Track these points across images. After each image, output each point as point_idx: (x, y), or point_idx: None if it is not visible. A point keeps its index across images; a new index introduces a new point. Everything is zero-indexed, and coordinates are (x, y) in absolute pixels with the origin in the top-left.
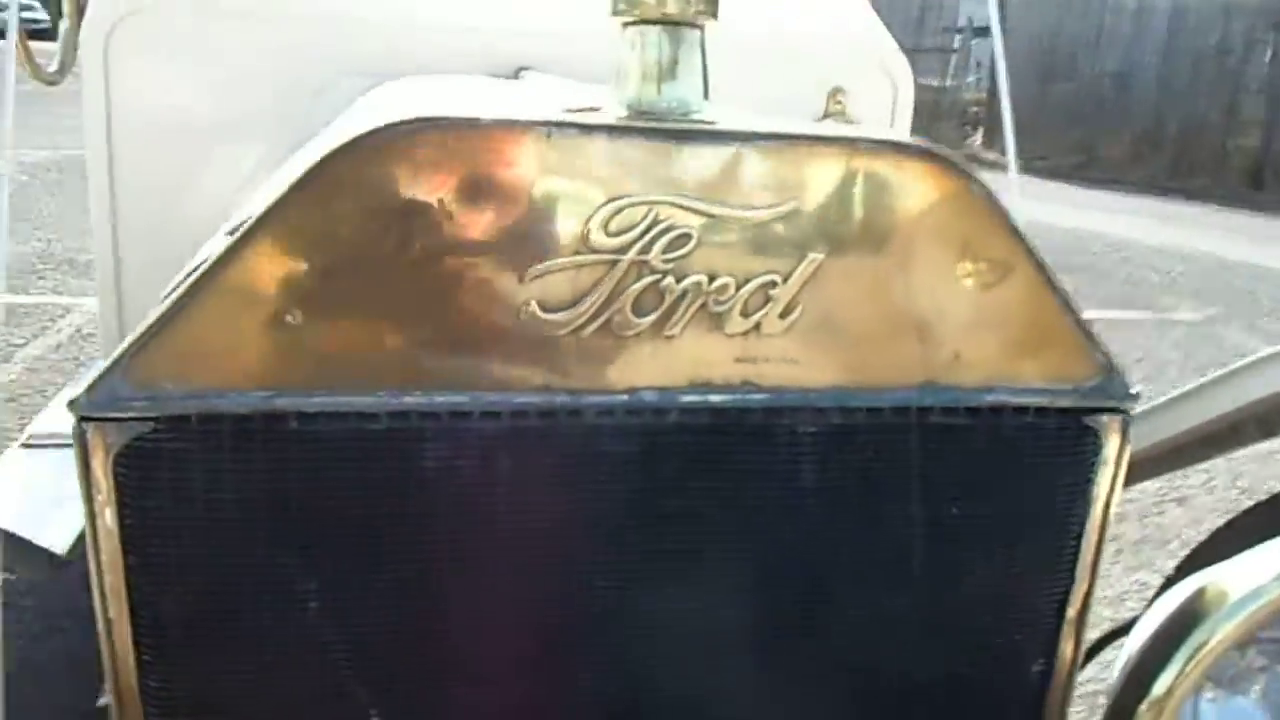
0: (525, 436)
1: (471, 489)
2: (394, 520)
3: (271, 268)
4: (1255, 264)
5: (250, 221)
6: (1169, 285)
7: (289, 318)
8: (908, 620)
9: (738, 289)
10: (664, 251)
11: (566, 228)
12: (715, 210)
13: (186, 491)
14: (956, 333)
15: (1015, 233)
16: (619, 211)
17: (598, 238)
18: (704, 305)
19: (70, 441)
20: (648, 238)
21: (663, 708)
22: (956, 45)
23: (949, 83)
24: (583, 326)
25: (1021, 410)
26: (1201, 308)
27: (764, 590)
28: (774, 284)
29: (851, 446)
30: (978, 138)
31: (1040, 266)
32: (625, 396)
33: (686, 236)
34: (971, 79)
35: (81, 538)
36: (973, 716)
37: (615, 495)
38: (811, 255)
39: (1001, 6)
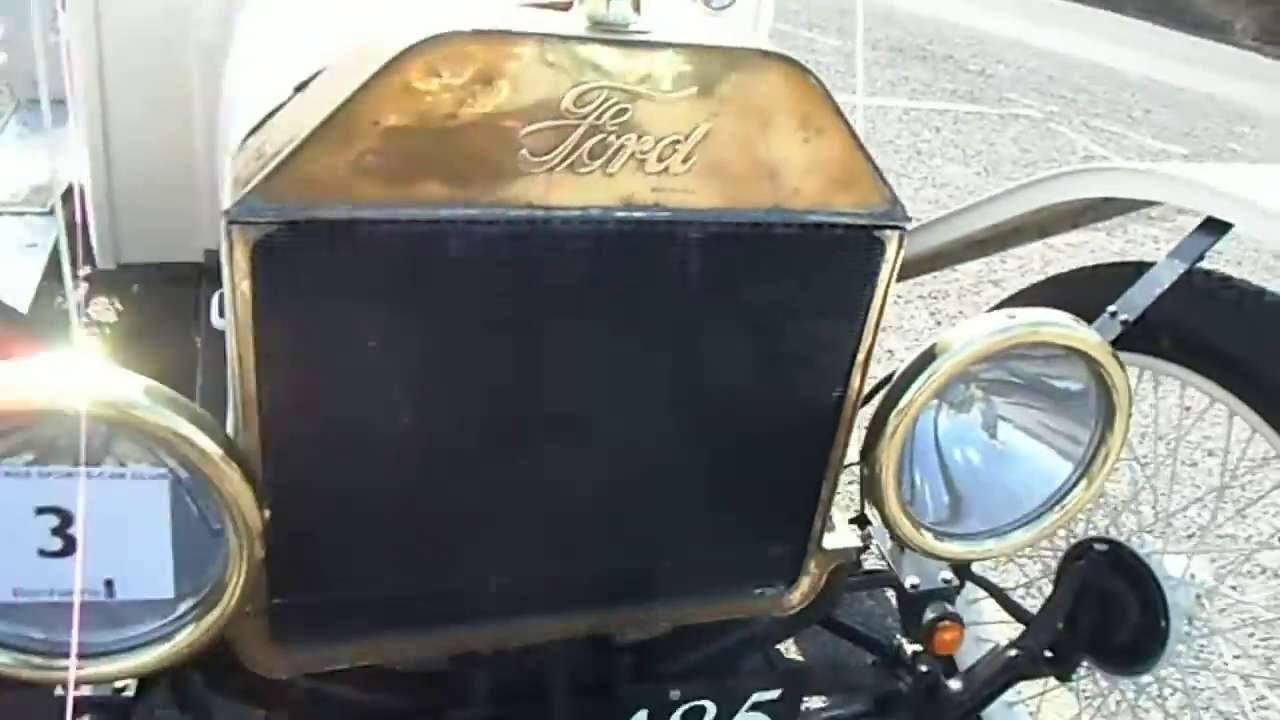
0: (517, 236)
1: (481, 271)
2: (433, 296)
3: (358, 126)
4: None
5: (341, 100)
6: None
7: (370, 158)
8: (755, 363)
9: (655, 144)
10: (611, 119)
11: (550, 102)
12: (643, 92)
13: (300, 272)
14: (796, 175)
15: (836, 110)
16: (585, 91)
17: (570, 108)
18: (633, 154)
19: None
20: (601, 109)
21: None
22: None
23: None
24: (556, 166)
25: (835, 226)
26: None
27: (666, 343)
28: (678, 141)
29: (723, 246)
30: None
31: (851, 133)
32: (579, 211)
33: (625, 109)
34: None
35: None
36: (794, 425)
37: (572, 275)
38: (702, 125)
39: None
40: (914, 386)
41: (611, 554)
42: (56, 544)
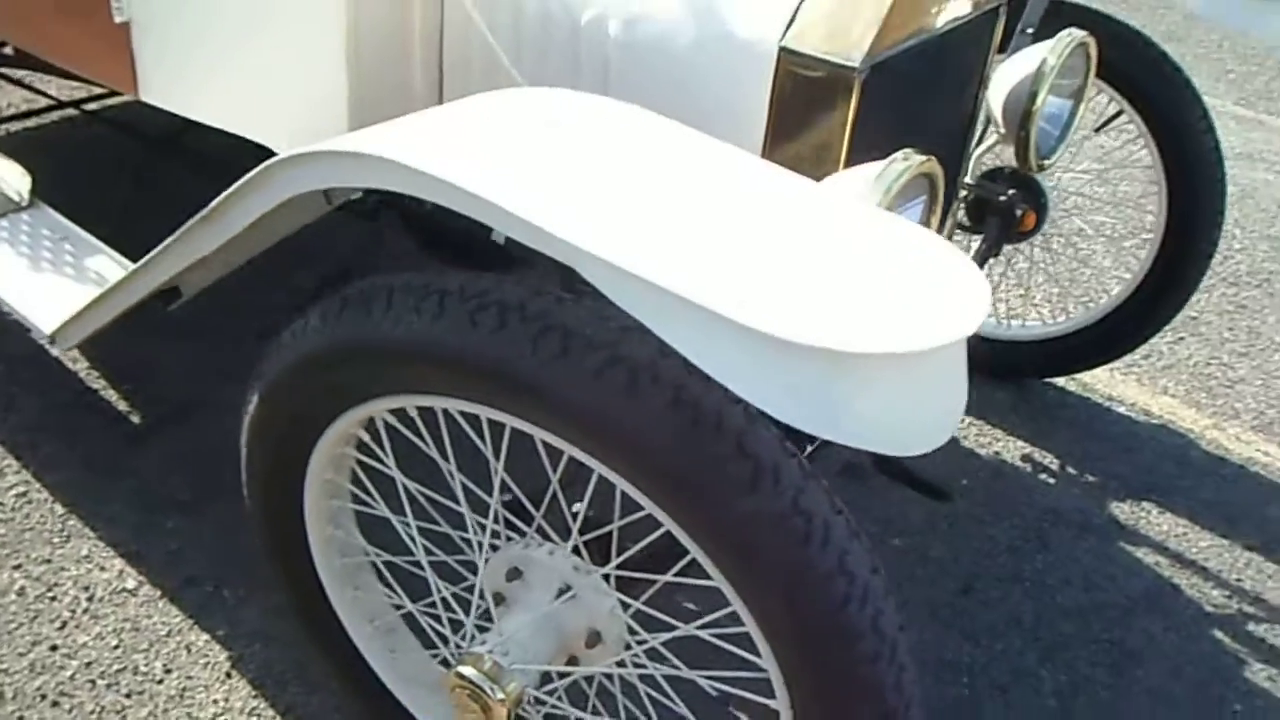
0: (919, 46)
1: (911, 65)
2: (903, 82)
3: (898, 14)
4: None
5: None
6: None
7: (891, 30)
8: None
9: None
10: None
11: None
12: None
13: (869, 87)
14: None
15: None
16: None
17: None
18: None
19: None
20: None
21: None
22: None
23: None
24: (934, 8)
25: (996, 9)
26: None
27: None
28: None
29: (969, 28)
30: None
31: None
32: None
33: None
34: None
35: None
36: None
37: (938, 53)
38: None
39: None
40: (1042, 89)
41: None
42: None
